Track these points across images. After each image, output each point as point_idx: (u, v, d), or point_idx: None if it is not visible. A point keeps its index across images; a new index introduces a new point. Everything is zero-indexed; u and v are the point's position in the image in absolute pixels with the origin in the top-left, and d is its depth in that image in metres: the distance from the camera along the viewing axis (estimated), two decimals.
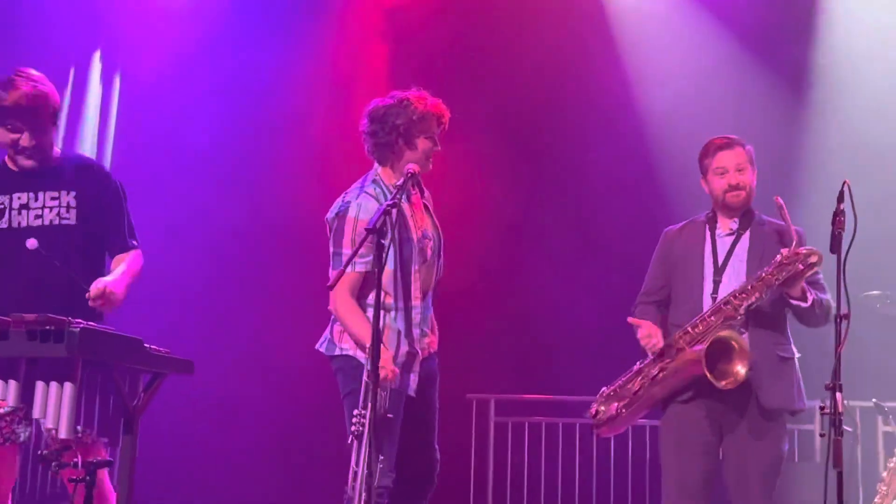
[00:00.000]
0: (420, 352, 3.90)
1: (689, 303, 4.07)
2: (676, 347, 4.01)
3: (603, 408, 4.15)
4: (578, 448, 6.87)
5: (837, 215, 3.43)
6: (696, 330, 3.96)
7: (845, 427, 5.06)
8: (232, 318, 6.69)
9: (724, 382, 3.88)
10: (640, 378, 4.08)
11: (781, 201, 3.89)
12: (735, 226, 4.14)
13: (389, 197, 3.69)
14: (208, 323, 6.55)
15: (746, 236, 4.12)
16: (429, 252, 3.93)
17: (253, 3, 6.92)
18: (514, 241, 7.21)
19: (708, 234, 4.16)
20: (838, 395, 3.19)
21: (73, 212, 3.84)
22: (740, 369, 3.89)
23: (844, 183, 3.43)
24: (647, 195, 6.80)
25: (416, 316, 3.87)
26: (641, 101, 6.91)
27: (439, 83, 4.28)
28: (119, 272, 3.82)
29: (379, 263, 3.51)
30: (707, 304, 4.03)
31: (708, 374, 3.86)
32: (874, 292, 5.97)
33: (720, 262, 4.10)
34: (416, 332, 3.88)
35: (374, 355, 3.37)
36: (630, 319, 4.11)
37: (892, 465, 4.89)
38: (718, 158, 4.10)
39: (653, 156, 6.93)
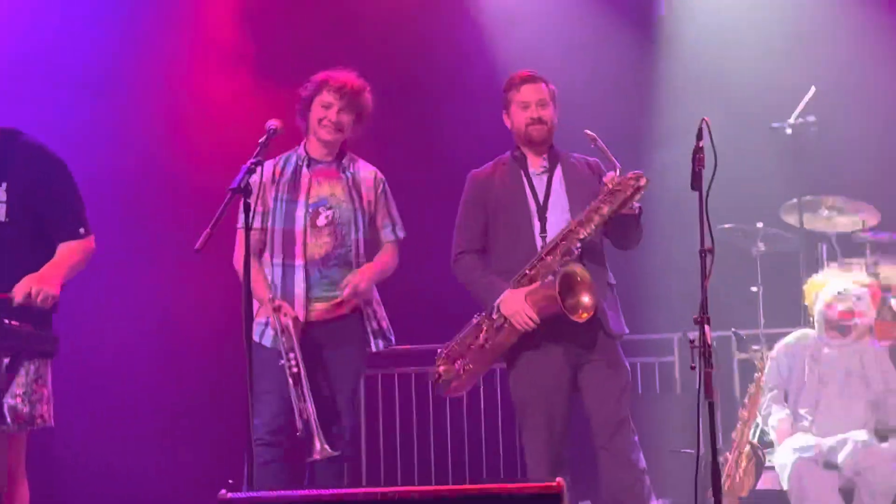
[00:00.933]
0: (287, 315, 4.00)
1: (522, 246, 4.05)
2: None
3: (444, 367, 4.10)
4: (432, 397, 6.96)
5: (697, 153, 3.50)
6: (534, 272, 3.96)
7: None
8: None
9: (577, 316, 3.89)
10: (483, 331, 4.04)
11: (591, 133, 3.93)
12: (546, 163, 4.17)
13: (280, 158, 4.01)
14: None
15: (559, 172, 4.15)
16: (322, 219, 4.06)
17: None
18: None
19: (522, 173, 4.16)
20: (707, 327, 3.27)
21: (2, 207, 3.52)
22: (587, 299, 3.91)
23: (703, 120, 3.50)
24: (503, 144, 6.84)
25: (298, 277, 4.03)
26: (491, 46, 6.92)
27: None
28: (48, 267, 3.55)
29: (246, 221, 3.50)
30: (539, 244, 4.04)
31: (564, 311, 3.86)
32: (727, 225, 6.21)
33: (541, 200, 4.11)
34: (298, 291, 4.03)
35: (247, 312, 3.39)
36: (506, 311, 3.97)
37: (751, 390, 5.12)
38: (522, 92, 4.13)
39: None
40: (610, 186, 3.94)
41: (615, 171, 3.92)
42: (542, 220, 4.05)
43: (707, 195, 3.42)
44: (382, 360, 6.94)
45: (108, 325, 6.24)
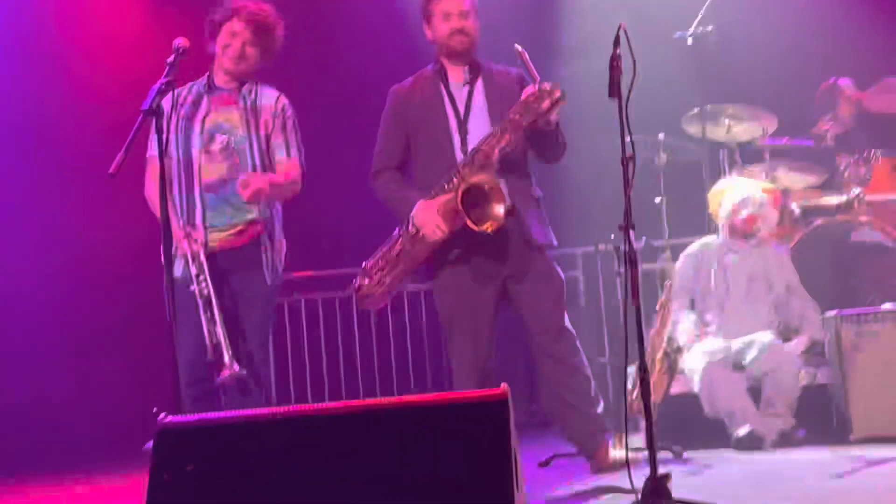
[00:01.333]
0: (196, 242, 3.95)
1: (442, 161, 4.01)
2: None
3: (366, 280, 4.08)
4: (357, 321, 6.96)
5: (614, 59, 3.48)
6: (452, 184, 3.92)
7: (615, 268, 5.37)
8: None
9: (484, 226, 3.85)
10: (399, 242, 4.02)
11: (520, 47, 3.87)
12: (467, 75, 4.12)
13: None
14: None
15: (480, 85, 4.11)
16: (216, 144, 4.01)
17: None
18: None
19: (442, 87, 4.11)
20: (631, 232, 3.30)
21: None
22: (498, 209, 3.86)
23: (620, 27, 3.48)
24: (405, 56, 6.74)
25: (197, 205, 3.99)
26: None
27: None
28: None
29: (160, 142, 3.44)
30: (459, 158, 4.00)
31: (468, 221, 3.81)
32: (629, 138, 6.24)
33: (462, 113, 4.08)
34: (198, 221, 3.99)
35: (166, 238, 3.32)
36: (418, 220, 3.93)
37: (662, 299, 5.21)
38: (444, 3, 4.08)
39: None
40: (525, 97, 3.89)
41: (535, 84, 3.88)
42: (463, 133, 4.01)
43: (627, 102, 3.41)
44: (296, 287, 6.93)
45: (24, 254, 6.05)
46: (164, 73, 3.44)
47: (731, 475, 4.25)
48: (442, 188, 3.93)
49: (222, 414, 2.42)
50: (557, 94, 3.88)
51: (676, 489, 3.33)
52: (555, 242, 4.16)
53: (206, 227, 3.99)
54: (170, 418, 2.36)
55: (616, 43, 3.48)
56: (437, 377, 7.00)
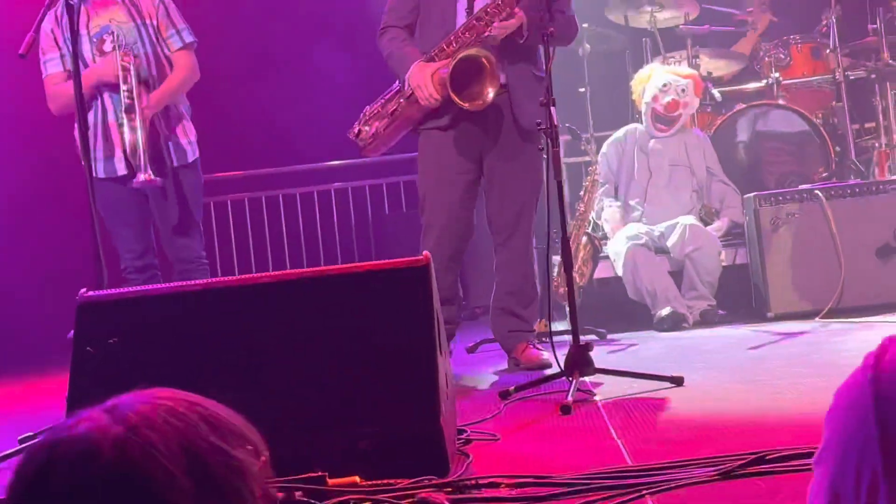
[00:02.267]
0: (119, 139, 3.99)
1: (443, 23, 3.93)
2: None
3: (366, 127, 4.06)
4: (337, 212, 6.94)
5: None
6: (451, 48, 3.84)
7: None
8: None
9: (468, 104, 3.77)
10: (397, 97, 3.98)
11: None
12: None
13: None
14: None
15: None
16: (107, 45, 4.01)
17: None
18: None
19: None
20: (552, 109, 3.31)
21: None
22: (489, 91, 3.76)
23: None
24: None
25: (107, 105, 4.01)
26: None
27: None
28: None
29: (71, 24, 3.48)
30: (462, 22, 3.90)
31: (453, 96, 3.74)
32: (551, 29, 6.22)
33: None
34: (110, 120, 4.02)
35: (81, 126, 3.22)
36: (412, 82, 3.85)
37: (586, 184, 5.27)
38: None
39: None
40: None
41: None
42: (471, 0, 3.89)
43: None
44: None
45: None
46: None
47: (653, 351, 4.37)
48: (441, 50, 3.85)
49: (144, 287, 2.41)
50: None
51: (606, 364, 3.42)
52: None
53: (119, 123, 4.01)
54: (90, 293, 2.35)
55: None
56: None
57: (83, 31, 4.01)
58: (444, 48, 3.86)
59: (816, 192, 4.99)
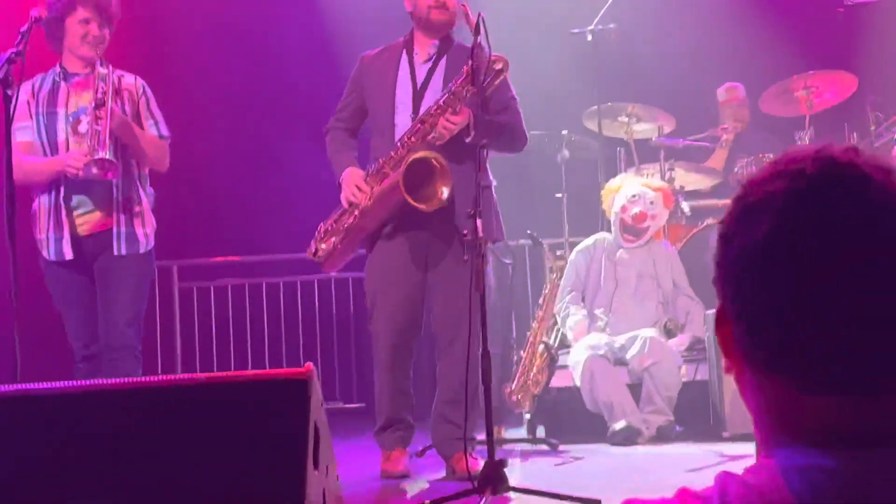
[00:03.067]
0: (67, 223, 4.02)
1: (385, 131, 4.03)
2: (382, 173, 3.97)
3: (323, 245, 4.11)
4: (266, 307, 6.94)
5: (475, 48, 3.49)
6: (400, 154, 3.91)
7: (504, 260, 5.37)
8: None
9: (425, 205, 3.82)
10: (350, 212, 4.04)
11: (482, 15, 3.62)
12: (433, 51, 4.09)
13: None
14: None
15: (444, 62, 4.08)
16: (83, 125, 4.03)
17: None
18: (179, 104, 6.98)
19: (405, 59, 4.11)
20: (478, 221, 3.31)
21: None
22: (443, 190, 3.82)
23: (479, 15, 3.49)
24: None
25: (61, 188, 4.01)
26: None
27: None
28: None
29: (7, 113, 3.45)
30: (403, 129, 3.99)
31: (407, 197, 3.80)
32: (532, 132, 6.26)
33: (419, 86, 4.06)
34: (62, 202, 4.02)
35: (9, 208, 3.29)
36: (342, 181, 4.01)
37: (546, 292, 5.24)
38: None
39: None
40: (466, 69, 3.82)
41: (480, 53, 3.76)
42: (417, 106, 3.99)
43: (485, 91, 3.42)
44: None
45: None
46: (16, 42, 3.41)
47: (597, 467, 4.29)
48: (390, 158, 3.92)
49: (14, 386, 2.39)
50: (498, 65, 3.87)
51: (540, 480, 3.36)
52: (500, 238, 4.13)
53: (74, 212, 4.04)
54: None
55: (476, 31, 3.48)
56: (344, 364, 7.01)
57: (60, 109, 4.05)
58: (393, 155, 3.92)
59: None
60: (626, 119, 5.96)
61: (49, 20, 4.00)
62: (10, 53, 3.35)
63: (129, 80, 4.22)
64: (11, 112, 3.37)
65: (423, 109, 3.96)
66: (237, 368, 6.90)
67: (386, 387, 4.06)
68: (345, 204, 4.00)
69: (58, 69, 4.15)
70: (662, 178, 5.78)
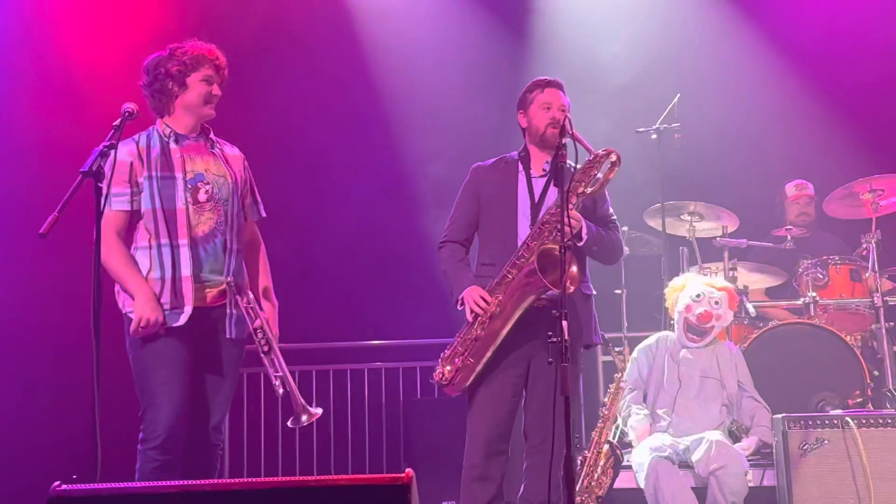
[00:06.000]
0: (188, 294, 3.80)
1: (507, 239, 4.13)
2: (506, 281, 4.03)
3: (448, 367, 4.12)
4: (350, 392, 6.92)
5: (559, 149, 3.51)
6: (523, 260, 4.00)
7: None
8: None
9: (556, 288, 3.82)
10: (476, 324, 4.07)
11: (570, 128, 3.87)
12: (547, 167, 4.22)
13: (155, 141, 3.83)
14: None
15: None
16: (202, 194, 3.88)
17: None
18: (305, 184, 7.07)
19: (522, 173, 4.23)
20: (564, 323, 3.28)
21: None
22: (572, 269, 3.88)
23: (566, 117, 3.52)
24: (373, 142, 6.84)
25: (185, 257, 3.81)
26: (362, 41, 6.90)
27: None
28: None
29: (97, 205, 3.37)
30: (523, 238, 4.08)
31: (544, 280, 3.87)
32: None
33: (536, 198, 4.18)
34: (185, 273, 3.81)
35: (96, 297, 3.25)
36: (464, 297, 4.08)
37: (611, 390, 5.17)
38: (547, 94, 4.22)
39: (380, 103, 6.96)
40: (584, 166, 3.99)
41: (590, 153, 3.98)
42: (535, 218, 4.11)
43: (568, 191, 3.43)
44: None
45: None
46: (109, 136, 3.42)
47: None
48: (514, 265, 4.01)
49: (120, 485, 2.36)
50: (613, 156, 3.99)
51: None
52: (598, 341, 4.24)
53: (198, 282, 3.83)
54: (63, 487, 2.31)
55: (562, 133, 3.51)
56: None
57: (178, 174, 3.85)
58: (516, 262, 4.03)
59: (847, 419, 4.84)
60: (688, 217, 5.96)
61: (169, 76, 3.91)
62: (102, 147, 3.35)
63: (233, 150, 4.12)
64: (102, 206, 3.34)
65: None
66: (320, 455, 6.85)
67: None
68: (469, 318, 4.05)
69: (165, 129, 3.94)
70: (726, 277, 5.74)
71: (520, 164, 4.24)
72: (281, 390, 3.76)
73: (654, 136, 5.88)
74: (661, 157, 5.91)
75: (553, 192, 4.11)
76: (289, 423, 3.79)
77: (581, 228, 3.98)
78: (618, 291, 6.12)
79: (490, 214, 4.21)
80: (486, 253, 4.21)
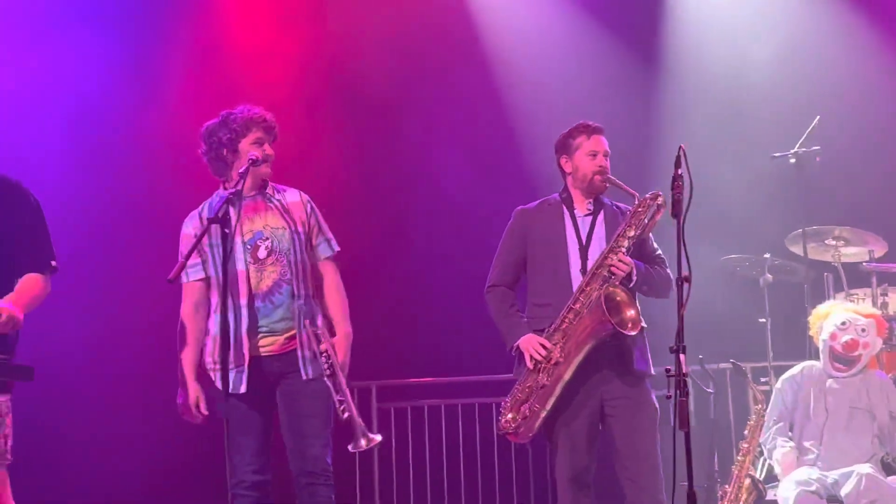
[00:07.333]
0: (247, 352, 3.96)
1: (557, 281, 4.21)
2: (563, 326, 4.12)
3: (510, 415, 4.17)
4: (462, 428, 6.95)
5: (676, 180, 3.48)
6: (578, 305, 4.10)
7: (706, 389, 5.22)
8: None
9: (627, 329, 4.04)
10: (540, 371, 4.13)
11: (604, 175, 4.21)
12: (591, 207, 4.34)
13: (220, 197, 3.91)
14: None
15: (601, 216, 4.32)
16: (262, 251, 4.00)
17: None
18: (382, 225, 7.21)
19: (567, 214, 4.32)
20: (681, 356, 3.24)
21: None
22: (632, 313, 4.08)
23: (680, 148, 3.48)
24: (510, 178, 6.88)
25: (244, 316, 3.96)
26: (499, 83, 6.98)
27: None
28: (14, 294, 3.52)
29: (224, 248, 3.58)
30: (576, 279, 4.18)
31: (613, 323, 3.99)
32: (733, 256, 6.16)
33: (584, 240, 4.27)
34: (244, 331, 3.96)
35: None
36: (522, 345, 4.17)
37: (751, 422, 5.04)
38: (594, 141, 4.31)
39: (515, 137, 7.01)
40: (634, 210, 4.16)
41: (636, 198, 4.16)
42: (584, 258, 4.22)
43: (684, 221, 3.40)
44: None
45: (69, 356, 6.19)
46: (235, 183, 3.56)
47: None
48: (570, 310, 4.11)
49: None
50: (660, 199, 4.12)
51: None
52: (652, 372, 4.27)
53: (252, 335, 3.98)
54: None
55: (677, 163, 3.48)
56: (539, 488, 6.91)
57: (237, 238, 3.95)
58: (573, 306, 4.11)
59: None
60: (833, 242, 5.78)
61: (225, 142, 4.03)
62: (228, 194, 3.49)
63: (293, 196, 4.18)
64: (229, 249, 3.48)
65: (589, 260, 4.20)
66: (434, 491, 6.91)
67: None
68: (530, 365, 4.11)
69: (224, 193, 4.00)
70: (874, 304, 5.52)
71: (563, 205, 4.32)
72: (346, 415, 3.88)
73: (792, 161, 5.73)
74: (801, 182, 5.75)
75: (599, 231, 4.23)
76: (349, 448, 3.91)
77: (632, 271, 4.09)
78: (762, 320, 5.96)
79: (540, 256, 4.28)
80: (538, 293, 4.28)
